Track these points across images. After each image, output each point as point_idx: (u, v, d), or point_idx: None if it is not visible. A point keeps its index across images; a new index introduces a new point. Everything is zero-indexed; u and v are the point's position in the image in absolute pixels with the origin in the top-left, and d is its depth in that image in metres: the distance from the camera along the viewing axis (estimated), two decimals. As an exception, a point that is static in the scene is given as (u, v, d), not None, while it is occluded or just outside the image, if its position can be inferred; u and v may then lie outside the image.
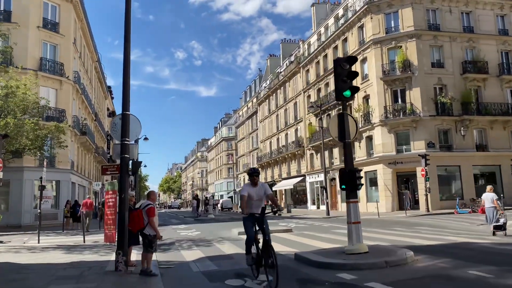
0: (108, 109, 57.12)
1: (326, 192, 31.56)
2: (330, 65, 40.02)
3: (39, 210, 18.43)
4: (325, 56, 41.72)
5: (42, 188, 22.16)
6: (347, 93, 9.17)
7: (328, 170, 39.67)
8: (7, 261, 10.50)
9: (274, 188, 53.82)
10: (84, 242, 15.06)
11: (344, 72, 9.24)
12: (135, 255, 10.44)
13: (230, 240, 13.65)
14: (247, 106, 73.52)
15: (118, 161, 9.60)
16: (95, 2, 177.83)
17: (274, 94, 56.44)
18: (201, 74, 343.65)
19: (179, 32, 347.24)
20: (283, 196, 53.56)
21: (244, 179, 73.16)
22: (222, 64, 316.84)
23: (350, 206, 8.89)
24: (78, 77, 31.08)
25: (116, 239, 9.01)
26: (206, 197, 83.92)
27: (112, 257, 10.71)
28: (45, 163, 22.41)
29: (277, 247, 11.53)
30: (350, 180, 8.85)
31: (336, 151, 39.31)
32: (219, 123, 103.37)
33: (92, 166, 40.70)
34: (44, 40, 27.96)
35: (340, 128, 9.26)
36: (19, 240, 17.19)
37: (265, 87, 61.68)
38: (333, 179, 39.46)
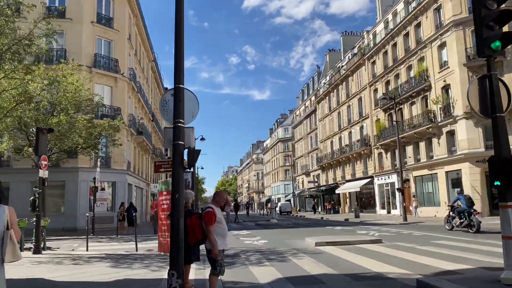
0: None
1: (403, 194, 27.86)
2: (400, 54, 36.20)
3: (88, 214, 16.78)
4: (394, 45, 37.86)
5: (95, 189, 20.81)
6: (496, 44, 6.19)
7: (399, 170, 35.79)
8: (41, 276, 8.57)
9: (337, 191, 50.44)
10: (137, 250, 13.06)
11: (491, 14, 6.27)
12: (194, 270, 8.15)
13: (308, 253, 10.97)
14: (305, 105, 70.48)
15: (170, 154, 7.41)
16: (150, 12, 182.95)
17: (335, 91, 53.05)
18: (254, 78, 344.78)
19: (233, 38, 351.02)
20: (347, 200, 49.96)
21: (302, 181, 70.11)
22: (275, 67, 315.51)
23: (508, 213, 5.89)
24: (133, 75, 29.93)
25: (169, 253, 6.73)
26: (268, 200, 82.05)
27: (166, 274, 8.51)
28: (98, 163, 21.06)
29: (376, 265, 8.67)
30: (509, 172, 5.85)
31: (409, 149, 35.36)
32: (274, 124, 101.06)
33: (149, 167, 39.74)
34: (98, 35, 26.98)
35: (484, 97, 6.29)
36: (68, 246, 15.62)
37: (324, 83, 58.38)
38: (407, 180, 35.49)
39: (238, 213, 39.74)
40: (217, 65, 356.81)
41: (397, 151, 36.72)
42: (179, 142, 6.58)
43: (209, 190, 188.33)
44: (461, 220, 16.19)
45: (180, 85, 6.78)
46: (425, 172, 32.64)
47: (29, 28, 13.07)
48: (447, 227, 17.07)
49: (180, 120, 6.66)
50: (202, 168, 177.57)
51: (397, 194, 36.10)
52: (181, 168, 6.67)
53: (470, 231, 15.54)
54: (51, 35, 13.67)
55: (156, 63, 44.98)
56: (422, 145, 33.27)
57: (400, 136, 34.28)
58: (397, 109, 37.03)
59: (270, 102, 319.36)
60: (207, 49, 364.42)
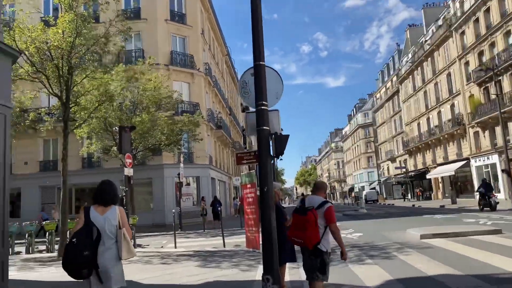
0: (241, 104, 56.83)
1: (509, 176, 24.62)
2: (495, 20, 32.13)
3: (174, 209, 16.76)
4: (487, 10, 33.75)
5: (180, 185, 20.95)
6: None
7: (501, 149, 31.94)
8: (130, 278, 8.25)
9: (428, 176, 46.89)
10: (224, 246, 12.59)
11: None
12: (288, 269, 7.31)
13: (415, 248, 9.58)
14: (386, 86, 66.63)
15: (254, 144, 6.58)
16: (223, 9, 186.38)
17: (418, 68, 49.20)
18: (328, 65, 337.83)
19: (303, 26, 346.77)
20: (440, 185, 46.23)
21: (388, 168, 66.59)
22: (349, 52, 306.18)
23: None
24: (209, 69, 29.95)
25: (262, 256, 5.92)
26: (351, 189, 79.38)
27: (257, 273, 7.76)
28: (181, 158, 21.17)
29: (508, 263, 7.11)
30: None
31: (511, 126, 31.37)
32: (353, 110, 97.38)
33: (230, 161, 39.98)
34: (172, 33, 27.28)
35: None
36: (158, 243, 15.70)
37: (406, 61, 54.50)
38: (511, 160, 31.56)
39: None
40: (288, 56, 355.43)
41: (498, 128, 32.91)
42: (264, 127, 5.71)
43: (289, 181, 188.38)
44: None
45: (261, 62, 5.89)
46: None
47: (105, 27, 13.09)
48: None
49: (263, 102, 5.77)
50: (281, 159, 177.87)
51: (501, 176, 32.38)
52: (268, 157, 5.81)
53: None
54: (126, 31, 13.63)
55: (229, 57, 45.04)
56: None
57: (501, 111, 30.67)
58: (495, 81, 33.17)
59: (346, 88, 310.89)
60: (278, 40, 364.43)
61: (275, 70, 6.54)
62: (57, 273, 8.92)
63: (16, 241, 14.65)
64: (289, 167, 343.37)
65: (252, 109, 6.39)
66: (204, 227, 20.09)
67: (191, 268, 8.96)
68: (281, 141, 5.87)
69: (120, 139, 13.07)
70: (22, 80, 13.10)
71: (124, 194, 12.95)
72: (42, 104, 22.92)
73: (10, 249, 12.90)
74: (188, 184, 27.68)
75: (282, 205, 6.43)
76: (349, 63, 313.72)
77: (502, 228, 11.49)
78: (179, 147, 22.15)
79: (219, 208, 17.81)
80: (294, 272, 7.62)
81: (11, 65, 7.50)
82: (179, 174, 20.94)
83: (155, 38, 26.09)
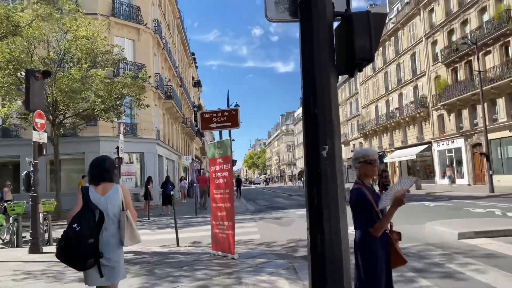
0: (193, 78, 52.34)
1: (488, 160, 22.79)
2: (470, -5, 30.27)
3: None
4: (460, -14, 31.89)
5: (119, 161, 16.84)
6: None
7: (467, 133, 30.64)
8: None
9: (385, 160, 45.43)
10: (178, 244, 8.99)
11: None
12: None
13: (469, 255, 6.57)
14: (342, 68, 64.70)
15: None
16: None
17: (380, 48, 47.14)
18: (278, 50, 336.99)
19: (256, 9, 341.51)
20: (397, 169, 44.98)
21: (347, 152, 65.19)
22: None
23: None
24: (158, 28, 25.49)
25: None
26: (301, 172, 77.59)
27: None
28: (122, 128, 17.01)
29: None
30: None
31: (480, 108, 29.92)
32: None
33: (180, 138, 35.80)
34: (115, -22, 22.52)
35: None
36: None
37: (367, 41, 52.45)
38: (477, 145, 30.31)
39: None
40: (240, 38, 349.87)
41: (465, 111, 31.50)
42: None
43: (238, 163, 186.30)
44: None
45: None
46: (505, 134, 27.27)
47: None
48: None
49: None
50: (233, 140, 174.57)
51: (465, 161, 31.13)
52: (331, 71, 2.27)
53: None
54: None
55: (182, 22, 40.36)
56: (500, 102, 27.76)
57: (471, 93, 29.12)
58: (464, 62, 31.59)
59: (295, 74, 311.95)
60: (230, 21, 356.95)
61: None
62: None
63: None
64: (237, 150, 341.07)
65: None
66: (148, 214, 16.26)
67: (129, 293, 5.29)
68: (372, 29, 2.35)
69: (27, 89, 8.89)
70: None
71: (32, 170, 8.83)
72: None
73: None
74: (130, 162, 23.51)
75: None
76: (298, 49, 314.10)
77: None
78: (120, 114, 17.89)
79: (171, 191, 13.94)
80: None
81: None
82: (118, 148, 16.80)
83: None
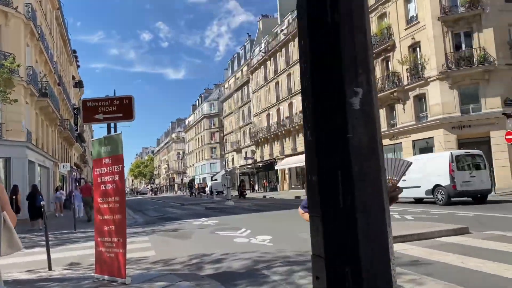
0: (73, 77, 47.57)
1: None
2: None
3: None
4: None
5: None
6: None
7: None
8: None
9: (276, 167, 46.42)
10: (50, 268, 7.13)
11: None
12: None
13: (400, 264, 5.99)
14: (235, 76, 65.10)
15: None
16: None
17: (271, 59, 48.49)
18: (169, 57, 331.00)
19: (145, 13, 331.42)
20: (286, 176, 46.23)
21: (233, 159, 65.22)
22: (190, 45, 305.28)
23: None
24: (32, 14, 22.10)
25: None
26: (191, 180, 75.79)
27: None
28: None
29: None
30: None
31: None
32: (198, 99, 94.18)
33: (57, 142, 31.77)
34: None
35: None
36: None
37: (260, 51, 53.48)
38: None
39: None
40: (127, 41, 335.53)
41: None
42: None
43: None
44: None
45: None
46: (385, 142, 29.49)
47: None
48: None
49: None
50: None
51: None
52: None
53: None
54: None
55: (62, 15, 36.27)
56: (381, 112, 30.00)
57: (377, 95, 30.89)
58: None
59: (186, 82, 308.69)
60: (116, 23, 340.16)
61: None
62: None
63: None
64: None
65: None
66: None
67: None
68: None
69: None
70: None
71: None
72: None
73: None
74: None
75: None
76: (190, 57, 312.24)
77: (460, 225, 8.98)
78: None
79: (42, 202, 11.55)
80: None
81: None
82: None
83: None
